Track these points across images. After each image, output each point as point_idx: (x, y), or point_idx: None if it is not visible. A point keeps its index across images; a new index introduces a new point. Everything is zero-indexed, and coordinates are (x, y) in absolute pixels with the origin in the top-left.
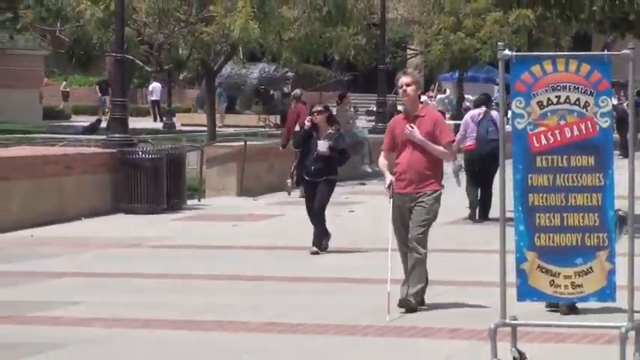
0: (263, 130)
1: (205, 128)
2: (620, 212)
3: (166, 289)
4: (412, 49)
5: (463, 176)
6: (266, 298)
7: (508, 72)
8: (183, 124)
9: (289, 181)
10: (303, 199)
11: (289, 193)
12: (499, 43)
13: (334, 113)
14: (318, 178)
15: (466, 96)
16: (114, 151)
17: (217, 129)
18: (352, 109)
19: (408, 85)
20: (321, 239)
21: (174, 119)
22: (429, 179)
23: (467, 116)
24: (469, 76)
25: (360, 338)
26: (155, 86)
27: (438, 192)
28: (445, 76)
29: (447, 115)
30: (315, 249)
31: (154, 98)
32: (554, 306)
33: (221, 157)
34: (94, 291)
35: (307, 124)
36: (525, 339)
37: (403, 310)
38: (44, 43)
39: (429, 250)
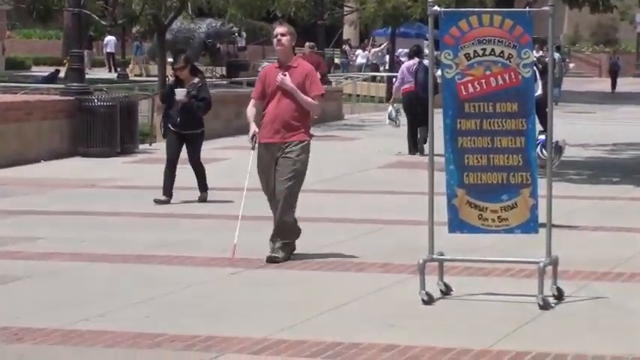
0: (210, 80)
1: (156, 78)
2: (558, 142)
3: (119, 226)
4: (348, 7)
5: (403, 118)
6: (204, 233)
7: (437, 27)
8: (135, 75)
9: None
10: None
11: (150, 144)
12: (429, 1)
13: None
14: (185, 131)
15: (399, 50)
16: (71, 98)
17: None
18: None
19: (282, 35)
20: (170, 186)
21: (127, 70)
22: (296, 129)
23: (403, 66)
24: (401, 31)
25: (293, 272)
26: (110, 39)
27: (306, 142)
28: (379, 32)
29: (382, 68)
30: (164, 198)
31: (108, 50)
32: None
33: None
34: (53, 228)
35: (171, 79)
36: (451, 273)
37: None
38: None
39: (360, 191)
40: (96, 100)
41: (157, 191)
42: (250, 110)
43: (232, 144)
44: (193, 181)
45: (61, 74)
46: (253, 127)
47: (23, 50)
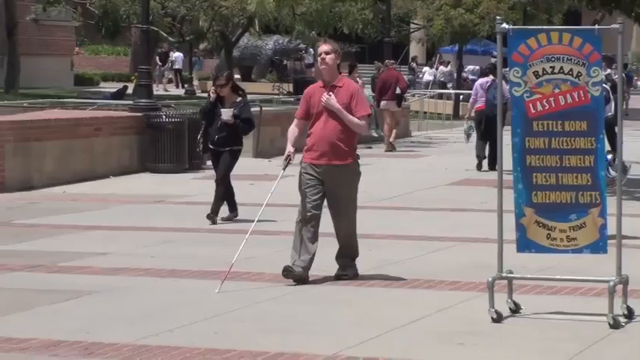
0: (277, 97)
1: None
2: (624, 162)
3: (187, 242)
4: (415, 24)
5: (473, 136)
6: (284, 250)
7: (505, 45)
8: (203, 91)
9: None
10: None
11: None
12: (497, 18)
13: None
14: (222, 148)
15: (467, 67)
16: (140, 114)
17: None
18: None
19: (327, 53)
20: (219, 205)
21: (195, 86)
22: (342, 152)
23: (477, 84)
24: (468, 49)
25: (362, 288)
26: (177, 56)
27: (353, 165)
28: (446, 49)
29: (449, 86)
30: (211, 215)
31: (176, 67)
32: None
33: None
34: (122, 243)
35: (212, 95)
36: (520, 291)
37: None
38: (75, 15)
39: (428, 209)
40: (164, 117)
41: (224, 207)
42: (292, 130)
43: (297, 160)
44: (262, 197)
45: (129, 90)
46: (289, 148)
47: (91, 66)
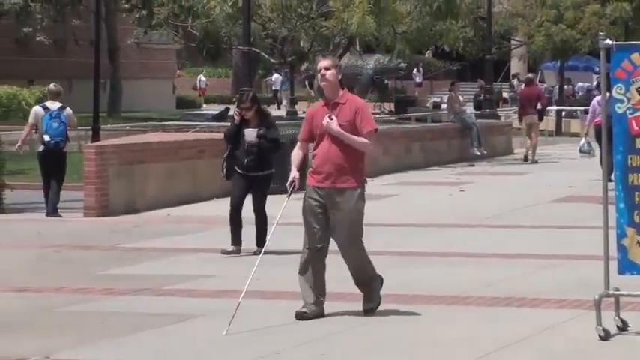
0: (378, 116)
1: None
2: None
3: (289, 263)
4: (516, 41)
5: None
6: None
7: (608, 61)
8: (304, 112)
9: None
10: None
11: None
12: (600, 34)
13: (447, 100)
14: (252, 172)
15: (579, 84)
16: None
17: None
18: (460, 97)
19: (327, 68)
20: (239, 236)
21: (296, 107)
22: (348, 174)
23: (594, 100)
24: (569, 65)
25: (469, 307)
26: (277, 77)
27: (359, 189)
28: (547, 65)
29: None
30: (232, 248)
31: (276, 88)
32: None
33: None
34: (226, 265)
35: (237, 118)
36: (627, 308)
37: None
38: (177, 38)
39: (532, 226)
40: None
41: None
42: (296, 154)
43: (402, 180)
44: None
45: (231, 112)
46: (294, 173)
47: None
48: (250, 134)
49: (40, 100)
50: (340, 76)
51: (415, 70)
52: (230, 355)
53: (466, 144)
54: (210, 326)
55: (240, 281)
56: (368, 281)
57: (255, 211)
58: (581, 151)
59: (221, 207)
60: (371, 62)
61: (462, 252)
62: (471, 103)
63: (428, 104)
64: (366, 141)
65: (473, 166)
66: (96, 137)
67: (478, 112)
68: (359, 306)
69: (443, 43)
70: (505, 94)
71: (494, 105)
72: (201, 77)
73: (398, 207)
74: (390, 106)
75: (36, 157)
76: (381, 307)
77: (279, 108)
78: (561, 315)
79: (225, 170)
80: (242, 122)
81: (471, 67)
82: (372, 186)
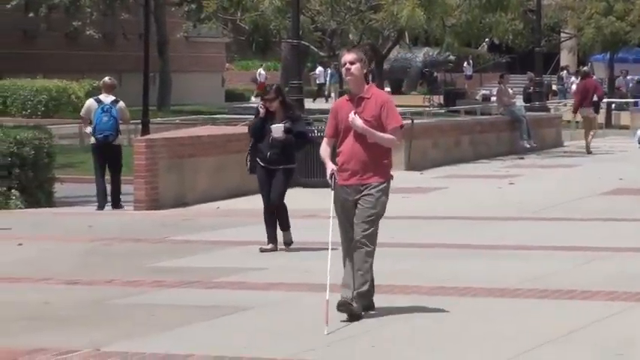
0: (427, 109)
1: None
2: None
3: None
4: (566, 33)
5: None
6: (439, 262)
7: None
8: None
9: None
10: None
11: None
12: None
13: (496, 92)
14: (275, 166)
15: (629, 77)
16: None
17: None
18: (509, 90)
19: (352, 62)
20: (275, 233)
21: (332, 99)
22: (374, 169)
23: None
24: (619, 57)
25: (517, 300)
26: (320, 70)
27: (385, 183)
28: (597, 57)
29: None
30: (270, 246)
31: (320, 81)
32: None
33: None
34: (276, 258)
35: (261, 111)
36: None
37: (345, 317)
38: (226, 31)
39: (583, 219)
40: (316, 131)
41: (382, 220)
42: (324, 150)
43: (451, 173)
44: (416, 210)
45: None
46: (330, 166)
47: (242, 82)
48: (277, 130)
49: (89, 94)
50: (365, 71)
51: (465, 63)
52: (280, 347)
53: (515, 136)
54: (261, 319)
55: (289, 274)
56: (367, 280)
57: (269, 202)
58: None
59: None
60: (420, 55)
61: (510, 245)
62: (521, 96)
63: (477, 97)
64: (392, 137)
65: (522, 158)
66: (145, 131)
67: (528, 104)
68: (408, 299)
69: (492, 36)
70: (554, 87)
71: (544, 97)
72: (261, 71)
73: (447, 200)
74: (439, 98)
75: (85, 151)
76: (429, 300)
77: (327, 101)
78: (612, 308)
79: (249, 164)
80: (267, 115)
81: (521, 59)
82: (422, 179)
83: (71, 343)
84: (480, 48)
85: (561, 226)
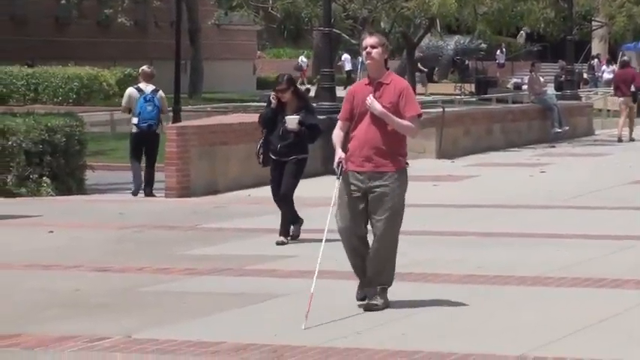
0: (459, 97)
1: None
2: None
3: None
4: (597, 21)
5: None
6: (469, 250)
7: None
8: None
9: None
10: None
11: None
12: None
13: (528, 81)
14: (286, 158)
15: None
16: (324, 117)
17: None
18: (540, 78)
19: (373, 47)
20: (288, 227)
21: None
22: (390, 156)
23: None
24: None
25: (548, 288)
26: (346, 57)
27: (402, 171)
28: (628, 46)
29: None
30: (281, 239)
31: (348, 69)
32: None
33: (421, 122)
34: (307, 246)
35: (274, 102)
36: None
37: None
38: (257, 19)
39: (613, 207)
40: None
41: (413, 209)
42: (337, 134)
43: (482, 161)
44: (446, 198)
45: (311, 93)
46: (339, 153)
47: (274, 70)
48: (292, 121)
49: (120, 82)
50: (386, 56)
51: (498, 51)
52: (312, 334)
53: (547, 125)
54: (293, 306)
55: (322, 262)
56: (381, 282)
57: (280, 193)
58: None
59: (300, 188)
60: (451, 43)
61: (541, 233)
62: (552, 84)
63: (509, 85)
64: (411, 124)
65: (553, 147)
66: (177, 118)
67: (559, 93)
68: (438, 288)
69: (524, 24)
70: (585, 75)
71: (575, 86)
72: (303, 58)
73: (478, 188)
74: (470, 87)
75: (117, 138)
76: (459, 288)
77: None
78: None
79: (261, 157)
80: (279, 106)
81: (552, 48)
82: (453, 167)
83: (102, 329)
84: (518, 37)
85: (592, 215)
